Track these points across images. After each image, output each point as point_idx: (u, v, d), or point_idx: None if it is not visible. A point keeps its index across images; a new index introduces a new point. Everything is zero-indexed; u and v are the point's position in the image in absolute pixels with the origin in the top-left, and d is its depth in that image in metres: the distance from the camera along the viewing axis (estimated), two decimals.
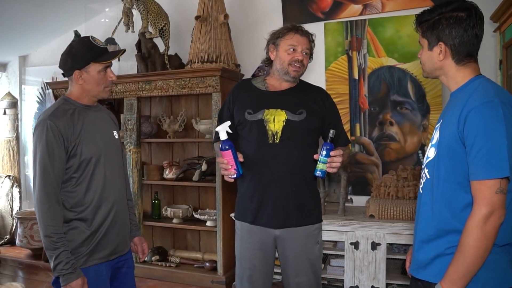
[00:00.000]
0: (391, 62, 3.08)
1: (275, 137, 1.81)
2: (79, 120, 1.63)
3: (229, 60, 3.25)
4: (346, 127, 3.12)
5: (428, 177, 1.32)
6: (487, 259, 1.16)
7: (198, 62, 3.20)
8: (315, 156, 1.73)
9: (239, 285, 1.94)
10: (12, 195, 4.55)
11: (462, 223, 1.18)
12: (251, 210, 1.86)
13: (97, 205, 1.64)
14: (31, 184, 1.98)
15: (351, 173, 3.10)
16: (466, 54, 1.27)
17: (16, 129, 4.65)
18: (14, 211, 4.44)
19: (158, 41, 3.48)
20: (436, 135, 1.31)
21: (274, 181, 1.81)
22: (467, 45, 1.26)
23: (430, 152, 1.32)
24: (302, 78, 1.96)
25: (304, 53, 1.85)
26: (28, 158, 4.60)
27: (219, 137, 1.75)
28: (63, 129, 1.56)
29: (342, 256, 2.70)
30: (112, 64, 1.72)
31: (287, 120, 1.81)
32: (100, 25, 3.99)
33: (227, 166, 1.73)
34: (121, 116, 3.50)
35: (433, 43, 1.30)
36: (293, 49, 1.83)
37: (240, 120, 1.87)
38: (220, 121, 1.90)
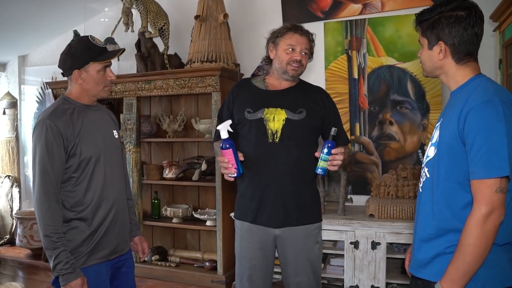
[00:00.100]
0: (390, 61, 3.07)
1: (275, 136, 1.81)
2: (78, 119, 1.62)
3: (229, 59, 3.25)
4: (346, 126, 3.12)
5: (428, 176, 1.32)
6: (487, 258, 1.16)
7: (197, 62, 3.20)
8: (316, 154, 1.73)
9: (239, 284, 1.94)
10: (11, 195, 4.54)
11: (462, 222, 1.18)
12: (251, 210, 1.85)
13: (97, 205, 1.64)
14: (31, 184, 1.98)
15: (351, 172, 3.10)
16: (466, 53, 1.27)
17: (15, 129, 4.65)
18: (14, 211, 4.44)
19: (158, 41, 3.48)
20: (436, 134, 1.31)
21: (273, 180, 1.81)
22: (467, 44, 1.26)
23: (430, 151, 1.32)
24: (301, 77, 1.96)
25: (303, 53, 1.85)
26: (28, 158, 4.60)
27: (219, 136, 1.74)
28: (63, 129, 1.56)
29: (342, 256, 2.70)
30: (111, 63, 1.71)
31: (287, 119, 1.81)
32: (100, 24, 3.99)
33: (228, 165, 1.73)
34: (121, 115, 3.50)
35: (433, 42, 1.30)
36: (292, 49, 1.83)
37: (239, 119, 1.87)
38: (220, 121, 1.89)
